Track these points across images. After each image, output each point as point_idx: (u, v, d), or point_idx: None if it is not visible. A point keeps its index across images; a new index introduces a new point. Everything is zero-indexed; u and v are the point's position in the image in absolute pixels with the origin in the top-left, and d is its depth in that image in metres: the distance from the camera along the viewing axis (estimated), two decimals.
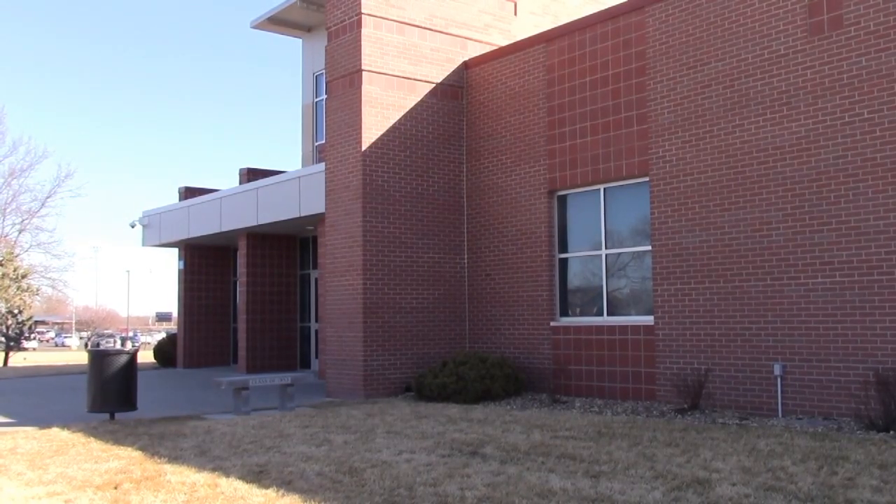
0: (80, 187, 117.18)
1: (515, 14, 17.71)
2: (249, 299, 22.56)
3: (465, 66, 16.81)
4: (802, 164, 11.51)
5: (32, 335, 42.70)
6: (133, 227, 26.68)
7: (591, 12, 16.42)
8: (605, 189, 14.43)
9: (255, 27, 24.99)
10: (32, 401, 16.25)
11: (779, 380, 11.50)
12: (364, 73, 15.50)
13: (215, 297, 25.95)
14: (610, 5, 16.09)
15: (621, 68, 13.96)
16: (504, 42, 17.04)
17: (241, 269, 22.98)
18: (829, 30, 11.36)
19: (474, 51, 16.90)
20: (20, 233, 46.14)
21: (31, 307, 37.54)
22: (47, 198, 47.18)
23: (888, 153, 10.71)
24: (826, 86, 11.34)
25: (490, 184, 16.20)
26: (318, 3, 21.99)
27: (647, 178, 13.55)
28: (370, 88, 15.55)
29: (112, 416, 12.36)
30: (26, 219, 46.38)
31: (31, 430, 11.31)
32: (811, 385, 11.25)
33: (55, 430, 11.19)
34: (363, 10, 15.58)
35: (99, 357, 12.19)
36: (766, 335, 11.78)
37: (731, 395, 12.12)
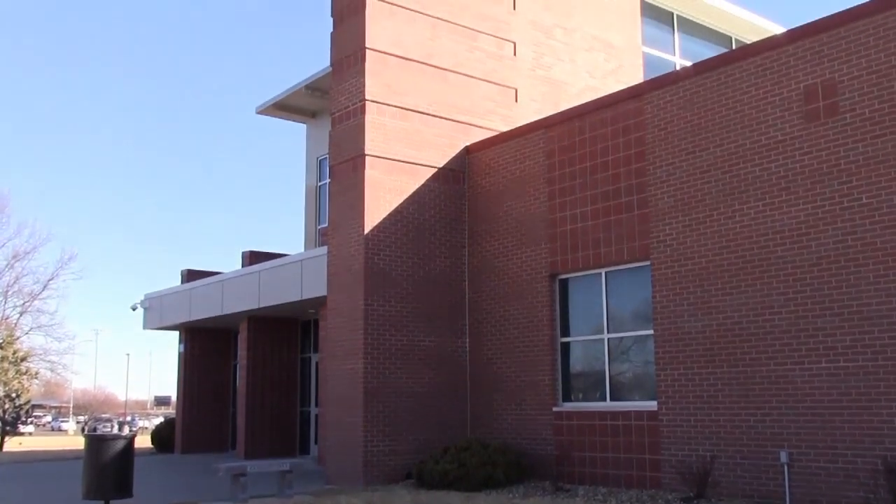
0: (82, 269, 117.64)
1: (516, 101, 18.03)
2: (249, 383, 22.37)
3: (467, 150, 17.02)
4: (803, 248, 11.54)
5: (29, 419, 42.20)
6: (134, 309, 26.65)
7: (590, 99, 16.71)
8: (606, 273, 14.44)
9: (261, 112, 25.46)
10: (26, 488, 15.97)
11: (786, 468, 11.30)
12: (367, 157, 15.69)
13: (215, 381, 25.75)
14: (609, 92, 16.39)
15: (621, 153, 14.13)
16: (505, 128, 17.30)
17: (242, 352, 22.86)
18: (825, 117, 11.53)
19: (476, 136, 17.14)
20: (21, 315, 46.15)
21: (29, 391, 37.24)
22: (49, 280, 47.35)
23: (888, 238, 10.74)
24: (824, 171, 11.46)
25: (492, 267, 16.23)
26: (322, 89, 22.41)
27: (648, 262, 13.58)
28: (373, 173, 15.72)
29: None
30: (28, 301, 46.44)
31: None
32: (818, 473, 11.05)
33: None
34: (367, 97, 15.85)
35: (95, 442, 12.02)
36: (772, 421, 11.63)
37: (738, 483, 11.89)
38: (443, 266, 16.45)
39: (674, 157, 13.29)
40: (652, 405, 13.25)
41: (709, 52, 21.53)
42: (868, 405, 10.69)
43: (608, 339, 14.33)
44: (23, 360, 35.80)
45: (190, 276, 25.90)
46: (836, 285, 11.16)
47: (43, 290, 47.24)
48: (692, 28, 22.63)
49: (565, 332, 15.10)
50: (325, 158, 21.38)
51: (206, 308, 23.02)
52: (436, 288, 16.28)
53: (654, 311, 13.30)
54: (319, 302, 18.30)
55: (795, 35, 12.09)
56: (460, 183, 16.94)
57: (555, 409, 14.74)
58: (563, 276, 15.16)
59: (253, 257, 23.63)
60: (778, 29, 22.08)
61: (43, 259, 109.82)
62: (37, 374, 42.35)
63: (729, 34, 23.30)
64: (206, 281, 23.61)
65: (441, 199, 16.60)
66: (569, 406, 14.72)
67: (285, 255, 21.57)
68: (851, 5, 11.60)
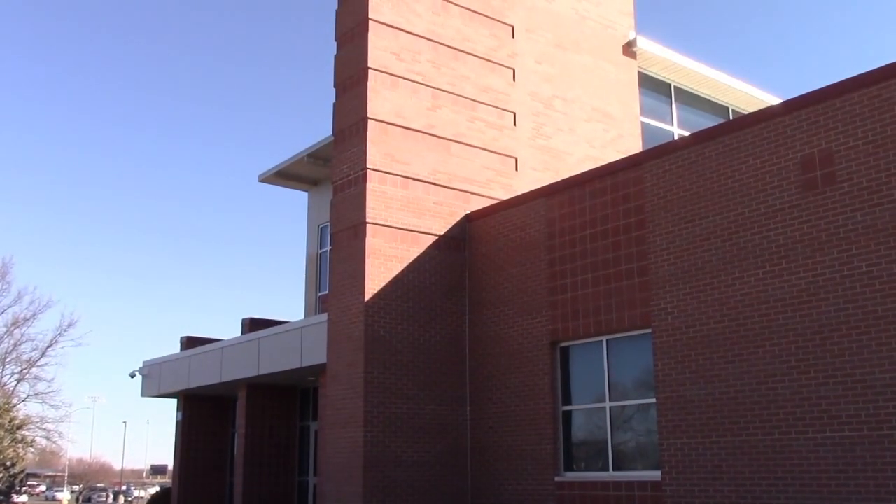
0: (81, 336, 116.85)
1: (516, 169, 18.20)
2: (247, 452, 22.08)
3: (468, 218, 17.12)
4: (804, 316, 11.53)
5: (23, 488, 41.60)
6: (133, 377, 26.46)
7: (590, 168, 16.88)
8: (607, 340, 14.39)
9: (263, 181, 25.67)
10: None
11: None
12: (368, 225, 15.78)
13: (212, 450, 25.43)
14: (608, 161, 16.56)
15: (621, 221, 14.21)
16: (505, 196, 17.43)
17: (240, 420, 22.62)
18: (823, 186, 11.64)
19: (476, 204, 17.25)
20: (18, 382, 45.83)
21: (24, 459, 36.80)
22: (48, 347, 47.14)
23: (889, 306, 10.74)
24: (823, 240, 11.51)
25: (492, 335, 16.18)
26: (324, 158, 22.63)
27: (649, 330, 13.54)
28: (374, 241, 15.78)
29: None
30: (26, 368, 46.17)
31: None
32: None
33: None
34: (368, 166, 16.01)
35: None
36: (777, 492, 11.46)
37: None
38: (443, 333, 16.40)
39: (673, 225, 13.37)
40: (655, 475, 13.08)
41: (706, 122, 21.81)
42: (874, 475, 10.55)
43: (610, 407, 14.21)
44: (18, 428, 35.44)
45: (189, 343, 25.79)
46: (838, 353, 11.12)
47: (41, 357, 47.03)
48: (689, 99, 22.96)
49: (567, 400, 14.99)
50: (327, 226, 21.49)
51: (205, 375, 22.87)
52: (436, 355, 16.20)
53: (656, 379, 13.22)
54: (319, 369, 18.19)
55: (792, 106, 12.28)
56: (461, 250, 16.99)
57: (556, 478, 14.54)
58: (564, 344, 15.10)
59: (253, 324, 23.56)
60: (774, 100, 22.40)
61: (42, 326, 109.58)
62: (32, 442, 41.89)
63: (726, 105, 23.63)
64: (205, 348, 23.50)
65: (442, 266, 16.64)
66: (571, 476, 14.52)
67: (285, 322, 21.52)
68: (846, 77, 11.81)
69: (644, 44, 21.11)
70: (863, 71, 11.58)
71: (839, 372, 11.07)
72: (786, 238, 11.90)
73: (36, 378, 47.14)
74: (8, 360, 45.83)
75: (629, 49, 21.10)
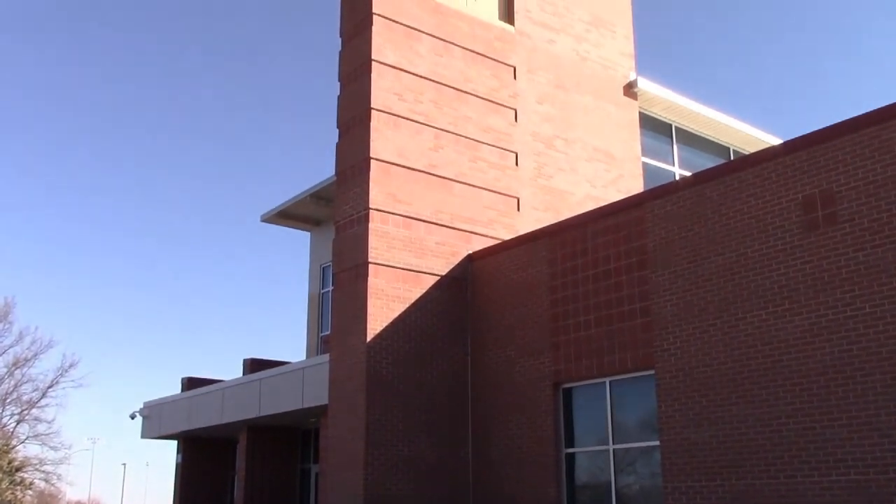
0: (82, 377, 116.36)
1: (518, 209, 18.22)
2: (247, 495, 21.85)
3: (470, 258, 17.10)
4: (808, 357, 11.44)
5: None
6: (133, 418, 26.30)
7: (591, 207, 16.89)
8: (610, 382, 14.29)
9: (266, 220, 25.73)
10: None
11: None
12: (370, 265, 15.76)
13: (212, 493, 25.17)
14: (610, 201, 16.58)
15: (623, 262, 14.18)
16: (508, 236, 17.43)
17: (240, 462, 22.41)
18: (825, 226, 11.62)
19: (478, 244, 17.24)
20: (18, 423, 45.51)
21: (22, 502, 36.44)
22: (49, 388, 46.91)
23: (893, 347, 10.66)
24: (826, 280, 11.46)
25: (494, 376, 16.08)
26: (326, 198, 22.69)
27: (652, 371, 13.45)
28: (376, 281, 15.75)
29: None
30: (26, 409, 45.89)
31: None
32: None
33: None
34: (371, 206, 16.03)
35: None
36: None
37: None
38: (445, 375, 16.30)
39: (676, 265, 13.33)
40: None
41: (707, 162, 21.88)
42: None
43: (613, 450, 14.06)
44: (17, 470, 35.18)
45: (190, 384, 25.65)
46: (842, 395, 11.02)
47: (42, 398, 46.77)
48: (690, 139, 23.05)
49: (570, 442, 14.84)
50: (329, 266, 21.48)
51: (206, 417, 22.72)
52: (438, 397, 16.09)
53: (660, 421, 13.10)
54: (320, 411, 18.06)
55: (792, 146, 12.31)
56: (463, 291, 16.95)
57: None
58: (567, 385, 14.99)
59: (254, 365, 23.44)
60: (774, 140, 22.49)
61: (43, 366, 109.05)
62: (31, 484, 41.51)
63: (727, 145, 23.71)
64: (205, 389, 23.37)
65: (444, 307, 16.58)
66: None
67: (287, 363, 21.42)
68: (846, 117, 11.84)
69: (645, 85, 21.24)
70: (862, 112, 11.62)
71: (844, 414, 10.96)
72: (788, 278, 11.86)
73: (36, 419, 46.86)
74: (8, 400, 45.62)
75: (630, 90, 21.23)
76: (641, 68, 21.82)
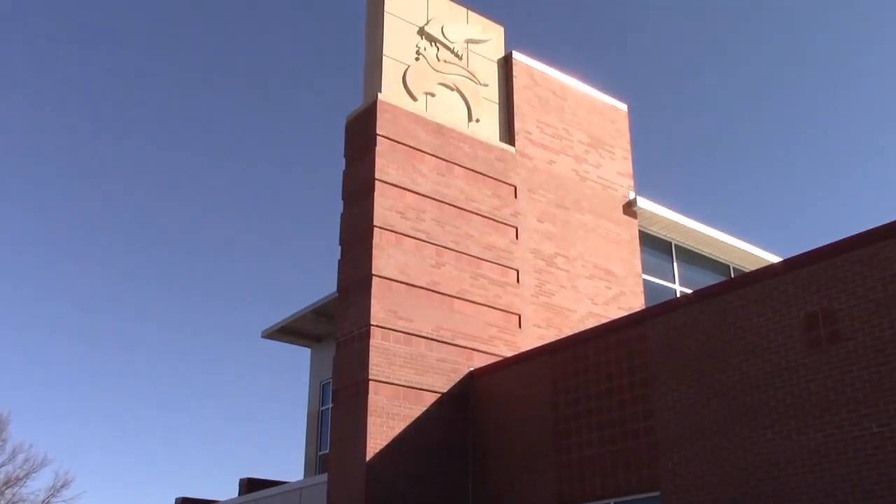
0: (74, 497, 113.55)
1: (520, 326, 18.19)
2: None
3: (471, 375, 16.97)
4: (817, 479, 11.20)
5: None
6: None
7: (593, 325, 16.87)
8: (615, 503, 13.93)
9: (266, 337, 25.64)
10: None
11: None
12: (371, 382, 15.62)
13: None
14: (611, 318, 16.57)
15: (626, 379, 14.06)
16: (509, 353, 17.35)
17: None
18: (828, 344, 11.57)
19: (480, 361, 17.14)
20: None
21: None
22: None
23: None
24: (831, 399, 11.33)
25: (496, 494, 15.70)
26: (328, 314, 22.69)
27: (657, 493, 13.14)
28: (376, 398, 15.58)
29: None
30: None
31: None
32: None
33: None
34: (372, 322, 16.02)
35: None
36: None
37: None
38: (446, 494, 15.92)
39: (679, 384, 13.21)
40: None
41: (708, 279, 21.98)
42: None
43: None
44: None
45: None
46: None
47: None
48: (690, 257, 23.22)
49: None
50: (329, 383, 21.30)
51: None
52: None
53: None
54: None
55: (793, 264, 12.38)
56: (464, 408, 16.74)
57: None
58: None
59: (251, 485, 22.96)
60: (774, 258, 22.65)
61: (36, 485, 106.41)
62: None
63: (727, 262, 23.86)
64: None
65: (444, 425, 16.35)
66: None
67: (284, 482, 20.97)
68: (845, 235, 11.95)
69: (644, 203, 21.55)
70: (861, 230, 11.73)
71: None
72: (793, 397, 11.73)
73: None
74: None
75: (629, 208, 21.52)
76: (640, 187, 22.20)
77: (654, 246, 22.48)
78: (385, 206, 16.98)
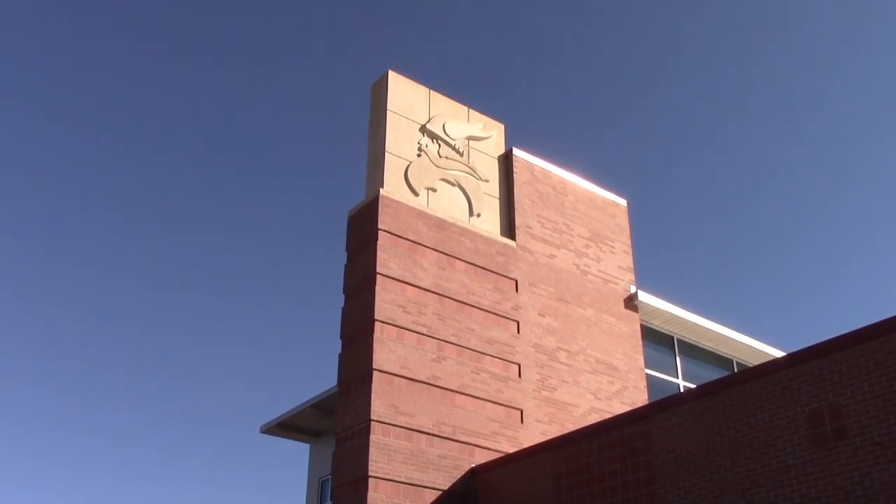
0: None
1: (522, 422, 17.96)
2: None
3: (472, 472, 16.66)
4: None
5: None
6: None
7: (596, 420, 16.66)
8: None
9: (265, 432, 25.30)
10: None
11: None
12: (370, 479, 15.33)
13: None
14: (614, 413, 16.37)
15: (630, 477, 13.80)
16: (511, 449, 17.08)
17: None
18: (834, 440, 11.39)
19: (481, 457, 16.86)
20: None
21: None
22: None
23: None
24: (840, 497, 11.10)
25: None
26: (328, 409, 22.44)
27: None
28: (376, 496, 15.27)
29: None
30: None
31: None
32: None
33: None
34: (372, 417, 15.82)
35: None
36: None
37: None
38: None
39: (684, 481, 12.96)
40: None
41: (711, 374, 21.81)
42: None
43: None
44: None
45: None
46: None
47: None
48: (693, 351, 23.10)
49: None
50: (328, 480, 20.91)
51: None
52: None
53: None
54: None
55: (796, 359, 12.29)
56: None
57: None
58: None
59: None
60: (777, 352, 22.53)
61: None
62: None
63: (730, 357, 23.73)
64: None
65: None
66: None
67: None
68: (850, 329, 11.88)
69: (645, 297, 21.55)
70: (866, 323, 11.67)
71: None
72: (801, 496, 11.49)
73: None
74: None
75: (631, 302, 21.52)
76: (641, 280, 22.26)
77: (657, 340, 22.39)
78: (386, 299, 16.98)
